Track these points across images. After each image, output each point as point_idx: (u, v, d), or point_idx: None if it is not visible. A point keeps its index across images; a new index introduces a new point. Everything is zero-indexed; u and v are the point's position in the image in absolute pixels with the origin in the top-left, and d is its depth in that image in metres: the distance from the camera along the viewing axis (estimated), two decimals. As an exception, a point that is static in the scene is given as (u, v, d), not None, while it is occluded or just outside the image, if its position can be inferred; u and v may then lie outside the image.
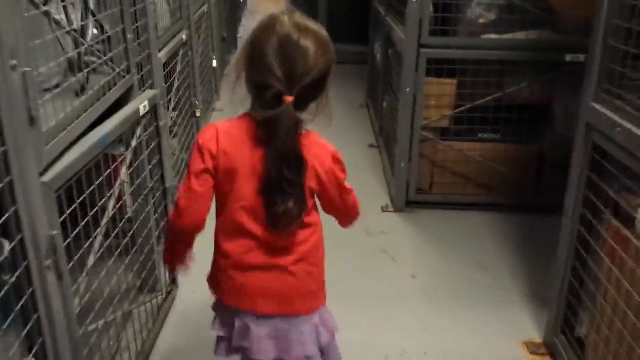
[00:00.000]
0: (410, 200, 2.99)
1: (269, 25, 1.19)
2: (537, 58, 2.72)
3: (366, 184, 3.34)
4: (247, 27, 8.79)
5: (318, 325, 1.35)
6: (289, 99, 1.16)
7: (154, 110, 1.88)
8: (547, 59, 2.72)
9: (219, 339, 1.41)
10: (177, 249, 1.39)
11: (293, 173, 1.20)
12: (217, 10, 5.00)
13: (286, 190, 1.20)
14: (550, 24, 2.70)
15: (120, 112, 1.65)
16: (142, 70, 2.02)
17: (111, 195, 1.63)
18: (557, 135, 2.87)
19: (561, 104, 2.86)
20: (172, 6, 2.98)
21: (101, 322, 1.57)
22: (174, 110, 2.92)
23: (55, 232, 1.19)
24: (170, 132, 3.06)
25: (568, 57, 2.66)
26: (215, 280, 1.37)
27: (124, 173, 1.71)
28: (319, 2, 6.25)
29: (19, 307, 1.08)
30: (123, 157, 1.74)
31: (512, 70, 2.80)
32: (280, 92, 1.15)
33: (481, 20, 2.73)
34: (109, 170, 1.54)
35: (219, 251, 1.33)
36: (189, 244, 1.37)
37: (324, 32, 1.23)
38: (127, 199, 1.89)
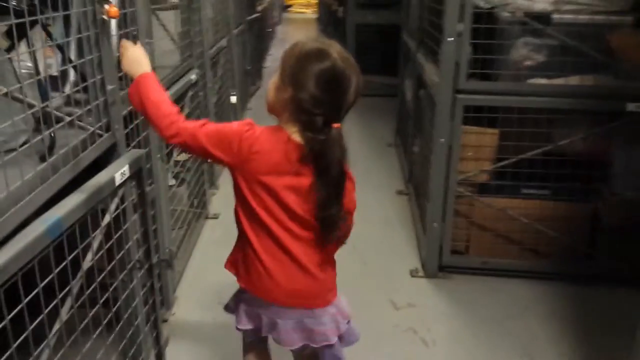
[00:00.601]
0: (444, 264, 2.63)
1: (314, 55, 1.28)
2: (594, 107, 2.35)
3: (393, 240, 2.98)
4: (276, 56, 8.60)
5: (336, 315, 1.45)
6: (337, 125, 1.28)
7: (137, 175, 1.58)
8: (606, 107, 2.35)
9: (245, 332, 1.57)
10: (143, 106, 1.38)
11: (339, 193, 1.35)
12: (239, 42, 4.81)
13: (336, 211, 1.33)
14: (609, 68, 2.34)
15: (87, 184, 1.36)
16: (131, 124, 1.85)
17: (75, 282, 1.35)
18: (615, 194, 2.48)
19: (620, 158, 2.48)
20: (180, 43, 2.72)
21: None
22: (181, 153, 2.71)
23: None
24: (176, 177, 2.81)
25: (630, 107, 2.29)
26: (240, 268, 1.45)
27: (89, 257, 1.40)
28: (347, 32, 5.99)
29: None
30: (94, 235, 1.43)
31: (564, 120, 2.44)
32: (330, 119, 1.27)
33: (528, 63, 2.38)
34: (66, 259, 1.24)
35: (249, 246, 1.39)
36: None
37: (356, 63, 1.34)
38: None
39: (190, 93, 2.74)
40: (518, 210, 2.56)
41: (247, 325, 1.50)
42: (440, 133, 2.44)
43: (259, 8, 6.77)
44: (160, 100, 1.37)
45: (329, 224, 1.35)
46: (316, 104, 1.25)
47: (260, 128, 1.34)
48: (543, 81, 2.38)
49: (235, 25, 4.54)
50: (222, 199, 3.42)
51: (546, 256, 2.60)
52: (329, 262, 1.45)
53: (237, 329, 1.53)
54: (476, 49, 2.37)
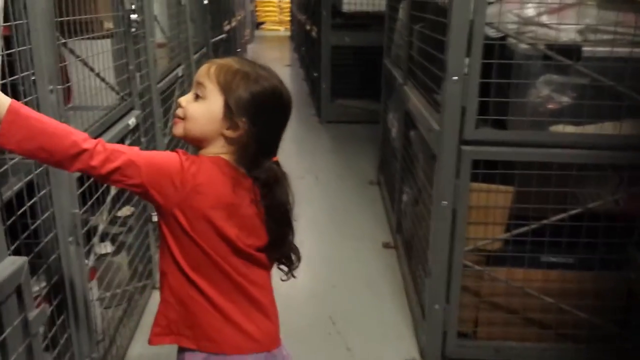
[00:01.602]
0: (449, 352, 2.11)
1: (275, 94, 1.22)
2: (631, 160, 1.89)
3: (382, 315, 2.45)
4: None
5: (286, 357, 1.39)
6: (276, 159, 1.27)
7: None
8: (647, 161, 1.89)
9: None
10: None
11: (291, 228, 1.30)
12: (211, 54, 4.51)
13: (288, 239, 1.30)
14: (653, 113, 1.88)
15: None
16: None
17: None
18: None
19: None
20: (115, 80, 2.19)
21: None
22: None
23: (75, 211, 1.53)
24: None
25: (677, 161, 1.83)
26: (181, 328, 1.25)
27: None
28: (322, 53, 5.50)
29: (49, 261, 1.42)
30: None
31: (594, 176, 1.97)
32: (270, 153, 1.25)
33: (550, 106, 1.91)
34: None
35: (198, 295, 1.22)
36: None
37: None
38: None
39: (127, 141, 2.20)
40: (536, 283, 2.08)
41: None
42: (442, 194, 1.94)
43: (227, 27, 6.26)
44: (56, 124, 1.11)
45: (289, 260, 1.32)
46: (270, 140, 1.24)
47: (197, 157, 1.20)
48: (569, 129, 1.91)
49: (195, 50, 4.02)
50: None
51: (572, 338, 2.11)
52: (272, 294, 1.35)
53: None
54: (486, 89, 1.89)
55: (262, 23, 15.07)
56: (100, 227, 1.99)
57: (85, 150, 1.08)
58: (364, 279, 2.72)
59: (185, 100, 1.23)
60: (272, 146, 1.24)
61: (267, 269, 1.30)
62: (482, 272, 2.07)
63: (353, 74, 5.66)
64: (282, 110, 1.24)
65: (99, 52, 2.02)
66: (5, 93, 1.32)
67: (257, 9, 14.74)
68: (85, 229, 1.86)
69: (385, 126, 3.76)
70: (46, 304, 1.57)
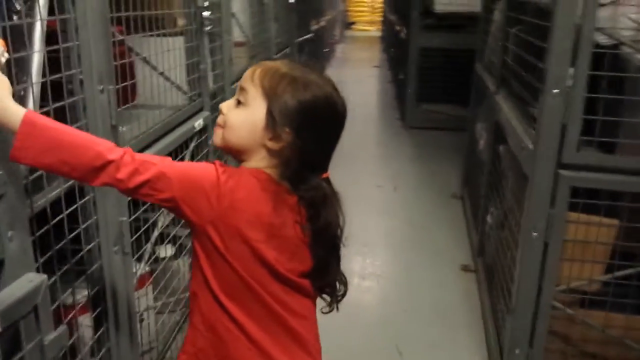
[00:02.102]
0: (528, 404, 1.85)
1: (327, 103, 1.06)
2: None
3: (455, 349, 2.21)
4: (332, 78, 7.97)
5: None
6: (327, 175, 1.10)
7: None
8: None
9: None
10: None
11: (337, 248, 1.15)
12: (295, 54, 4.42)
13: (333, 265, 1.15)
14: None
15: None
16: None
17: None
18: None
19: None
20: (187, 79, 2.10)
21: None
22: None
23: (123, 219, 1.42)
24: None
25: None
26: (210, 357, 1.11)
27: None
28: (410, 55, 5.25)
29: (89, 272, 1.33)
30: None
31: None
32: (320, 168, 1.09)
33: (672, 128, 1.60)
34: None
35: (228, 322, 1.07)
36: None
37: None
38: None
39: (193, 143, 2.10)
40: (638, 333, 1.77)
41: None
42: (533, 223, 1.68)
43: (315, 27, 6.15)
44: (77, 134, 0.99)
45: (333, 289, 1.16)
46: (319, 154, 1.08)
47: (236, 170, 1.06)
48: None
49: (278, 50, 3.92)
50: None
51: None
52: (317, 328, 1.18)
53: None
54: (592, 105, 1.61)
55: (352, 23, 14.93)
56: (159, 228, 1.90)
57: (111, 162, 0.96)
58: (438, 305, 2.48)
59: (227, 106, 1.09)
60: (320, 161, 1.09)
61: (311, 297, 1.14)
62: (575, 316, 1.79)
63: (441, 77, 5.36)
64: (333, 121, 1.08)
65: (168, 50, 1.93)
66: (53, 93, 1.26)
67: (349, 8, 14.62)
68: (143, 229, 1.78)
69: (472, 136, 3.47)
70: (87, 315, 1.50)
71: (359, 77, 8.17)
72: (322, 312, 1.18)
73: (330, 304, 1.18)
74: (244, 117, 1.05)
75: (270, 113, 1.03)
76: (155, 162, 1.00)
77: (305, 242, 1.08)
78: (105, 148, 0.97)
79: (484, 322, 2.35)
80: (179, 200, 1.00)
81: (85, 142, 0.97)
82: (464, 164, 3.75)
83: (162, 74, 1.86)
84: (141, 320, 1.83)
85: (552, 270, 1.71)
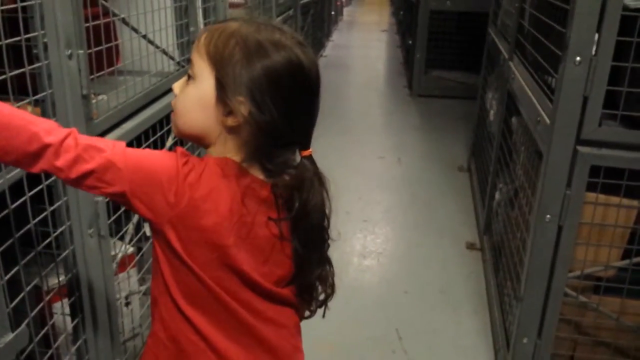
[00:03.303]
0: (534, 394, 1.74)
1: (292, 66, 0.86)
2: None
3: (458, 333, 2.10)
4: (338, 42, 7.73)
5: None
6: (309, 152, 0.90)
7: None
8: None
9: None
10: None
11: (324, 256, 0.98)
12: (293, 24, 4.19)
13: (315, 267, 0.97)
14: None
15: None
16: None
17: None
18: None
19: None
20: (174, 42, 1.94)
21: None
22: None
23: (99, 198, 1.31)
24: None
25: None
26: None
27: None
28: (419, 18, 5.03)
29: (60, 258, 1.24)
30: None
31: None
32: (305, 146, 0.90)
33: None
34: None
35: (192, 334, 0.92)
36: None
37: None
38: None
39: (182, 114, 1.96)
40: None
41: None
42: (546, 205, 1.54)
43: (320, -12, 5.92)
44: (11, 111, 0.80)
45: (310, 292, 0.99)
46: (290, 128, 0.87)
47: (200, 160, 0.88)
48: None
49: (280, 12, 3.73)
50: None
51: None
52: (299, 337, 1.03)
53: None
54: (616, 76, 1.45)
55: (361, -15, 14.53)
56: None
57: (48, 146, 0.79)
58: (442, 286, 2.37)
59: (178, 85, 0.92)
60: (293, 137, 0.89)
61: (292, 304, 0.98)
62: (588, 303, 1.67)
63: (452, 43, 5.16)
64: (300, 87, 0.87)
65: (152, 10, 1.77)
66: (13, 58, 1.12)
67: (357, -31, 14.20)
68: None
69: (482, 106, 3.31)
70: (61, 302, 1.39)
71: (365, 42, 7.94)
72: (304, 318, 1.04)
73: (308, 309, 1.03)
74: (194, 94, 0.88)
75: (218, 82, 0.85)
76: (103, 148, 0.83)
77: (284, 240, 0.91)
78: (43, 129, 0.80)
79: (489, 305, 2.23)
80: (130, 196, 0.84)
81: (20, 121, 0.79)
82: (472, 135, 3.59)
83: (144, 36, 1.70)
84: (127, 304, 1.73)
85: (565, 256, 1.58)
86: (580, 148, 1.48)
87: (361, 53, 7.10)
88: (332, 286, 1.00)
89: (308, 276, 0.96)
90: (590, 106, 1.43)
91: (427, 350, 1.99)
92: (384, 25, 9.85)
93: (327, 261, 0.99)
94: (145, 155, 0.87)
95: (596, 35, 1.38)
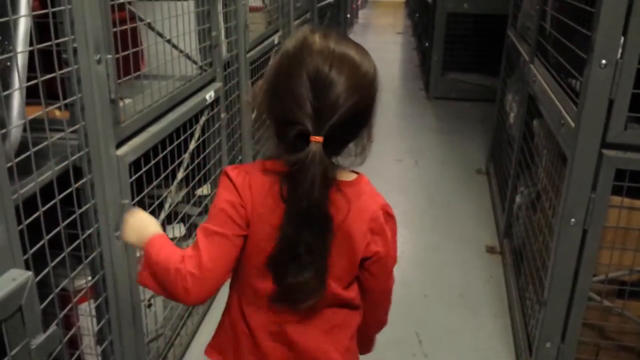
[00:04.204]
0: (558, 399, 1.73)
1: (298, 50, 0.93)
2: None
3: (479, 336, 2.09)
4: (352, 43, 7.71)
5: None
6: (317, 139, 0.90)
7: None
8: None
9: None
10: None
11: (315, 236, 0.94)
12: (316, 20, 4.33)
13: (303, 258, 0.94)
14: None
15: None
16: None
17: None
18: None
19: None
20: (197, 47, 1.96)
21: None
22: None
23: (125, 201, 1.35)
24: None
25: None
26: (226, 350, 1.10)
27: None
28: (436, 21, 5.01)
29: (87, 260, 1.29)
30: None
31: None
32: (306, 130, 0.90)
33: None
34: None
35: (242, 323, 1.06)
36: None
37: (364, 62, 0.96)
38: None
39: (204, 117, 1.98)
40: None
41: None
42: (571, 209, 1.53)
43: (336, -9, 5.93)
44: (167, 255, 0.97)
45: (281, 274, 0.97)
46: (288, 108, 0.91)
47: (247, 166, 1.01)
48: None
49: (297, 15, 3.75)
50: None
51: None
52: (343, 338, 1.08)
53: None
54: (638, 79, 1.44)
55: (376, -12, 14.52)
56: (166, 209, 1.79)
57: (175, 277, 0.95)
58: (462, 289, 2.36)
59: None
60: (290, 115, 0.90)
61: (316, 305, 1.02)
62: (612, 308, 1.65)
63: (469, 45, 5.13)
64: (291, 70, 0.91)
65: (176, 15, 1.79)
66: (44, 62, 1.14)
67: (372, -28, 14.20)
68: (154, 206, 1.68)
69: (501, 108, 3.29)
70: (88, 303, 1.41)
71: (381, 44, 7.93)
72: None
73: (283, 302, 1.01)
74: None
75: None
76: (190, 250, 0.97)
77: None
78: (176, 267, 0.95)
79: (509, 308, 2.22)
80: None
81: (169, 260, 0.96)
82: (490, 138, 3.57)
83: (169, 41, 1.72)
84: (149, 306, 1.75)
85: (589, 260, 1.57)
86: (605, 151, 1.47)
87: (377, 55, 7.02)
88: (314, 286, 0.98)
89: (285, 263, 0.96)
90: (616, 109, 1.42)
91: (447, 354, 1.98)
92: (399, 27, 9.83)
93: (316, 269, 0.96)
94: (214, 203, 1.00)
95: (622, 38, 1.37)
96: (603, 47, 1.38)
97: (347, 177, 1.01)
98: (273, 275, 0.98)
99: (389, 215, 1.02)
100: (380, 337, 2.04)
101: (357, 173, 1.02)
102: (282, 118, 0.93)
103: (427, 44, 5.56)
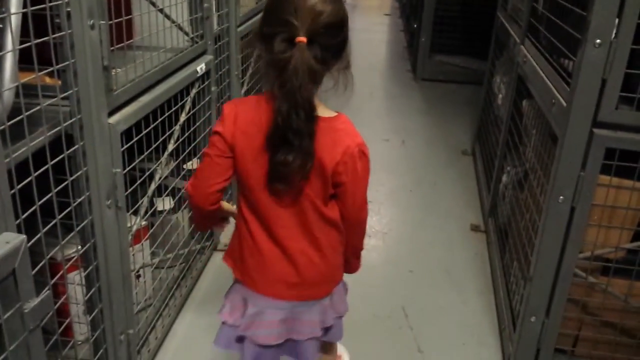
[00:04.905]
0: (541, 371, 1.77)
1: None
2: None
3: (463, 311, 2.12)
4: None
5: (327, 307, 1.34)
6: (301, 39, 1.07)
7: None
8: None
9: (222, 328, 1.35)
10: (203, 221, 1.39)
11: (301, 120, 1.09)
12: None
13: (290, 141, 1.11)
14: None
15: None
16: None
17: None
18: None
19: None
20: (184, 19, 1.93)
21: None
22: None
23: (117, 170, 1.34)
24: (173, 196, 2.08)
25: None
26: (235, 256, 1.32)
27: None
28: (426, 2, 4.99)
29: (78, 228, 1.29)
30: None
31: None
32: (291, 34, 1.08)
33: None
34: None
35: (245, 229, 1.27)
36: (212, 217, 1.35)
37: None
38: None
39: (194, 90, 1.96)
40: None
41: (228, 318, 1.32)
42: (560, 186, 1.55)
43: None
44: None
45: (273, 155, 1.14)
46: (276, 23, 1.10)
47: (243, 99, 1.27)
48: None
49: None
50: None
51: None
52: (326, 247, 1.27)
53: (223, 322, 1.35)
54: (632, 58, 1.45)
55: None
56: (157, 180, 1.77)
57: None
58: (447, 266, 2.39)
59: None
60: (281, 27, 1.08)
61: (287, 205, 1.21)
62: (597, 284, 1.69)
63: (457, 27, 5.13)
64: None
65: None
66: (37, 27, 1.12)
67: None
68: (144, 177, 1.67)
69: (489, 90, 3.30)
70: (77, 272, 1.40)
71: (368, 25, 7.88)
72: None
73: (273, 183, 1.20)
74: None
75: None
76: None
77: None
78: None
79: (494, 285, 2.26)
80: (215, 155, 1.20)
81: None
82: (477, 119, 3.59)
83: (161, 10, 1.69)
84: (137, 277, 1.74)
85: (576, 237, 1.59)
86: (596, 130, 1.49)
87: (364, 37, 7.04)
88: (297, 164, 1.13)
89: (280, 140, 1.11)
90: (609, 89, 1.44)
91: (432, 328, 2.01)
92: (386, 9, 9.76)
93: (302, 150, 1.12)
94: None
95: (616, 20, 1.38)
96: (598, 27, 1.39)
97: (328, 114, 1.19)
98: (268, 156, 1.14)
99: (363, 154, 1.19)
100: (367, 311, 2.08)
101: (338, 113, 1.21)
102: (271, 32, 1.09)
103: (415, 26, 5.54)
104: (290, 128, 1.08)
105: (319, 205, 1.21)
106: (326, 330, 1.36)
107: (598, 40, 1.40)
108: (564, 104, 1.55)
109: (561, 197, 1.56)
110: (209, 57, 2.05)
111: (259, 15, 1.21)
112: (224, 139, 1.17)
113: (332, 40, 1.12)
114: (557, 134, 1.59)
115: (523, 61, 2.24)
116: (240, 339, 1.32)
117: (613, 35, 1.39)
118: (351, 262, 1.41)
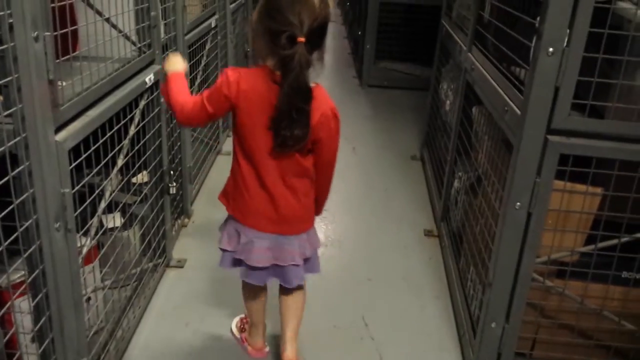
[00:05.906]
0: (501, 375, 1.79)
1: None
2: None
3: (423, 318, 2.13)
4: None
5: (305, 241, 1.65)
6: (302, 39, 1.36)
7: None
8: None
9: (224, 253, 1.66)
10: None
11: (302, 102, 1.41)
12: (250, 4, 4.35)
13: (294, 118, 1.41)
14: None
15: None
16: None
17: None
18: None
19: None
20: None
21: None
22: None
23: (65, 190, 1.28)
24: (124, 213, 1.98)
25: None
26: (228, 196, 1.63)
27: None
28: (369, 9, 5.03)
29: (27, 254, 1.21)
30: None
31: None
32: (294, 34, 1.35)
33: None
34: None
35: (239, 174, 1.57)
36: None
37: None
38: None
39: (143, 101, 1.88)
40: (610, 300, 1.74)
41: (227, 246, 1.63)
42: (517, 193, 1.58)
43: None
44: (179, 91, 1.56)
45: (280, 128, 1.43)
46: (280, 22, 1.36)
47: (244, 69, 1.49)
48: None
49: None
50: (195, 236, 2.58)
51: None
52: (301, 193, 1.59)
53: (220, 248, 1.66)
54: (588, 66, 1.50)
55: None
56: (107, 196, 1.68)
57: (179, 110, 1.54)
58: (403, 272, 2.40)
59: None
60: (285, 26, 1.35)
61: (275, 158, 1.50)
62: (554, 287, 1.72)
63: (399, 34, 5.20)
64: None
65: (113, -7, 1.68)
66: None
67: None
68: (94, 196, 1.58)
69: (434, 96, 3.36)
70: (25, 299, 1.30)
71: (311, 31, 7.87)
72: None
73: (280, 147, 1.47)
74: (251, 26, 1.59)
75: (256, 14, 1.49)
76: (194, 99, 1.55)
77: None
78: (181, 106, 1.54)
79: (450, 289, 2.28)
80: (212, 108, 1.50)
81: (179, 99, 1.55)
82: (424, 125, 3.64)
83: (107, 19, 1.61)
84: (88, 300, 1.64)
85: (533, 242, 1.62)
86: (550, 137, 1.52)
87: (308, 42, 7.06)
88: (301, 134, 1.44)
89: (285, 123, 1.41)
90: (561, 96, 1.47)
91: (393, 336, 2.00)
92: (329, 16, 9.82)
93: (302, 123, 1.42)
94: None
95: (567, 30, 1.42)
96: (550, 36, 1.42)
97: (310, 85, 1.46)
98: (273, 130, 1.43)
99: (335, 116, 1.51)
100: (328, 322, 2.05)
101: (316, 84, 1.47)
102: (276, 29, 1.36)
103: (359, 33, 5.58)
104: (295, 108, 1.38)
105: (298, 158, 1.51)
106: (305, 262, 1.65)
107: (551, 49, 1.43)
108: (518, 112, 1.58)
109: (518, 203, 1.59)
110: (157, 67, 1.98)
111: (259, 7, 1.46)
112: (229, 100, 1.45)
113: (322, 38, 1.43)
114: (512, 142, 1.62)
115: (471, 68, 2.28)
116: (237, 262, 1.62)
117: (565, 43, 1.42)
118: (320, 204, 1.70)
